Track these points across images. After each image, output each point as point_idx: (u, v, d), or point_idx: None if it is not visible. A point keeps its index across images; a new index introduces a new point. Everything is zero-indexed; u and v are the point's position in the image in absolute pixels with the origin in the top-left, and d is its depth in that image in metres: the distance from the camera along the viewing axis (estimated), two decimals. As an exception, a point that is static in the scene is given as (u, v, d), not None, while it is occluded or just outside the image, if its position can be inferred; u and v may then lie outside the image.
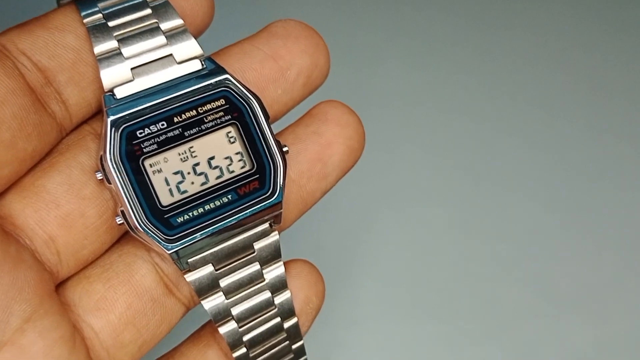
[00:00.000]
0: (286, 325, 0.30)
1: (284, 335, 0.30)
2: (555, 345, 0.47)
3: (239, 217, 0.26)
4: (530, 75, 0.59)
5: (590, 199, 0.53)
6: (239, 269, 0.28)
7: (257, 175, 0.27)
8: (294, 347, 0.31)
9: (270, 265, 0.29)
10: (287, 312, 0.30)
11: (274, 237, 0.28)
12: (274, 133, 0.28)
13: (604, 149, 0.56)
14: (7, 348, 0.23)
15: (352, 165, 0.31)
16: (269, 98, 0.29)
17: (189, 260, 0.26)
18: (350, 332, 0.46)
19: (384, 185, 0.52)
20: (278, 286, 0.29)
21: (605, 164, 0.55)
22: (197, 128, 0.26)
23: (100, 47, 0.25)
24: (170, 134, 0.26)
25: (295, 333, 0.31)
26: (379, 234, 0.50)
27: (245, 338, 0.29)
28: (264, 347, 0.30)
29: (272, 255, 0.28)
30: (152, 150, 0.25)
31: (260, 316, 0.29)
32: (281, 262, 0.29)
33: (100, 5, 0.26)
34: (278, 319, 0.30)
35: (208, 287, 0.27)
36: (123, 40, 0.26)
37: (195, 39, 0.27)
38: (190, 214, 0.26)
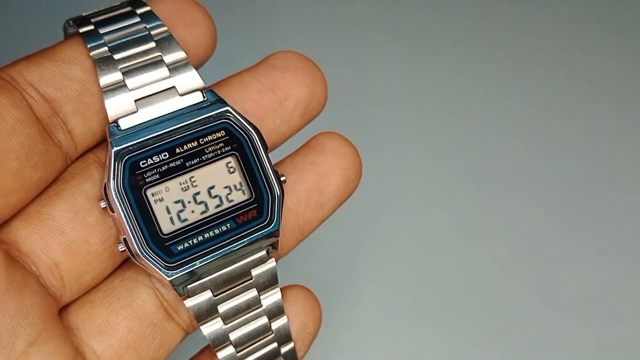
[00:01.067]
0: (283, 350, 0.30)
1: None
2: (558, 349, 0.47)
3: (237, 244, 0.27)
4: (532, 76, 0.59)
5: (593, 202, 0.53)
6: (237, 295, 0.28)
7: (256, 204, 0.28)
8: None
9: (268, 291, 0.29)
10: (284, 337, 0.30)
11: (271, 264, 0.29)
12: (272, 163, 0.29)
13: (606, 152, 0.56)
14: None
15: (349, 196, 0.32)
16: (268, 128, 0.29)
17: (188, 287, 0.27)
18: (351, 334, 0.46)
19: (385, 187, 0.52)
20: (275, 312, 0.30)
21: (608, 167, 0.55)
22: (198, 159, 0.27)
23: (106, 79, 0.26)
24: (172, 164, 0.26)
25: (292, 358, 0.31)
26: (379, 236, 0.51)
27: None
28: None
29: (269, 282, 0.29)
30: (154, 180, 0.26)
31: (257, 341, 0.30)
32: (278, 288, 0.29)
33: (106, 38, 0.27)
34: (275, 344, 0.30)
35: (207, 313, 0.28)
36: (127, 73, 0.26)
37: (197, 70, 0.28)
38: (190, 241, 0.27)
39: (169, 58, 0.27)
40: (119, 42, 0.27)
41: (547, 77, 0.60)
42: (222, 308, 0.28)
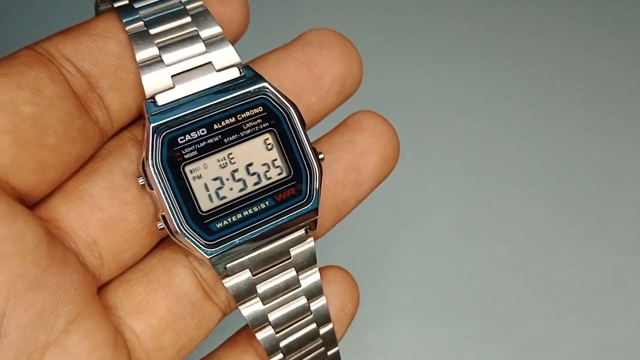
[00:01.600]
0: (322, 331, 0.30)
1: (320, 341, 0.30)
2: (557, 346, 0.47)
3: (276, 223, 0.27)
4: (533, 76, 0.59)
5: (593, 201, 0.53)
6: (275, 275, 0.28)
7: (294, 182, 0.27)
8: (329, 353, 0.31)
9: (306, 271, 0.29)
10: (323, 318, 0.30)
11: (309, 243, 0.29)
12: (317, 148, 0.28)
13: (607, 150, 0.55)
14: (53, 349, 0.24)
15: (387, 175, 0.31)
16: (304, 105, 0.29)
17: (227, 265, 0.27)
18: (353, 333, 0.46)
19: (386, 186, 0.52)
20: (314, 292, 0.29)
21: (608, 165, 0.55)
22: (235, 135, 0.26)
23: (142, 54, 0.26)
24: (210, 141, 0.26)
25: (331, 339, 0.31)
26: (381, 235, 0.50)
27: (282, 344, 0.29)
28: (301, 353, 0.30)
29: (308, 262, 0.29)
30: (193, 157, 0.26)
31: (296, 322, 0.29)
32: (317, 269, 0.29)
33: (142, 12, 0.26)
34: (314, 325, 0.30)
35: (245, 293, 0.27)
36: (164, 48, 0.26)
37: (233, 46, 0.27)
38: (229, 219, 0.26)
39: (205, 33, 0.27)
40: (154, 16, 0.26)
41: (547, 77, 0.59)
42: (260, 288, 0.28)
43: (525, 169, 0.54)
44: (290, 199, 0.27)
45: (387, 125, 0.31)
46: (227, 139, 0.26)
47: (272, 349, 0.29)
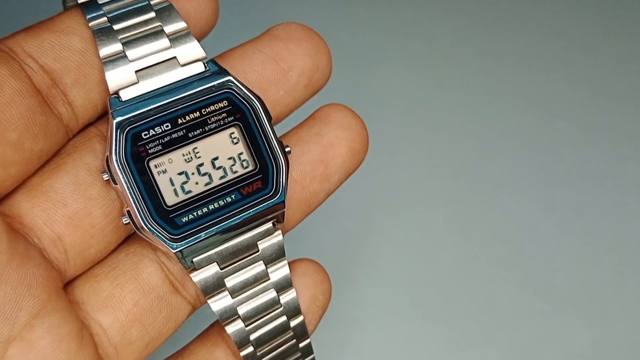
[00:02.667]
0: (292, 323, 0.30)
1: (291, 333, 0.30)
2: (555, 346, 0.47)
3: (242, 216, 0.27)
4: (530, 76, 0.59)
5: (589, 200, 0.53)
6: (243, 268, 0.28)
7: (260, 175, 0.27)
8: (301, 345, 0.31)
9: (275, 264, 0.29)
10: (293, 310, 0.30)
11: (277, 236, 0.29)
12: (277, 134, 0.28)
13: (603, 150, 0.56)
14: (16, 343, 0.24)
15: (356, 167, 0.31)
16: (271, 99, 0.29)
17: (194, 259, 0.27)
18: (350, 332, 0.46)
19: (383, 185, 0.52)
20: (283, 285, 0.29)
21: (604, 165, 0.55)
22: (200, 129, 0.27)
23: (106, 50, 0.26)
24: (174, 135, 0.26)
25: (301, 332, 0.31)
26: (377, 234, 0.50)
27: (252, 337, 0.29)
28: (271, 346, 0.30)
29: (277, 254, 0.29)
30: (157, 151, 0.26)
31: (266, 315, 0.29)
32: (285, 261, 0.29)
33: (105, 8, 0.26)
34: (284, 318, 0.30)
35: (214, 286, 0.28)
36: (128, 43, 0.26)
37: (199, 41, 0.27)
38: (194, 213, 0.26)
39: (169, 28, 0.27)
40: (118, 12, 0.26)
41: (546, 77, 0.59)
42: (229, 282, 0.28)
43: (522, 168, 0.54)
44: (256, 192, 0.27)
45: (355, 118, 0.31)
46: (192, 133, 0.26)
47: (242, 342, 0.29)
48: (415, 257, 0.50)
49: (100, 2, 0.26)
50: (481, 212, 0.52)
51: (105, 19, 0.26)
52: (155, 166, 0.26)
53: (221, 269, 0.28)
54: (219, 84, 0.27)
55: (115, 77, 0.26)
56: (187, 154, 0.26)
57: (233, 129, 0.27)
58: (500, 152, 0.55)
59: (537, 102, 0.58)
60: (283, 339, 0.30)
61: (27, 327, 0.24)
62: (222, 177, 0.27)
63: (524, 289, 0.49)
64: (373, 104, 0.55)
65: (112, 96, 0.26)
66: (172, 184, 0.26)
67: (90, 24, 0.26)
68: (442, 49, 0.60)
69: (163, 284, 0.28)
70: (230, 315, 0.28)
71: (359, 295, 0.47)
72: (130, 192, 0.25)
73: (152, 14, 0.27)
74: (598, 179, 0.54)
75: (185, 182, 0.26)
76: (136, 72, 0.26)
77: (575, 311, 0.48)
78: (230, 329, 0.29)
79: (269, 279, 0.29)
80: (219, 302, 0.28)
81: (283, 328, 0.30)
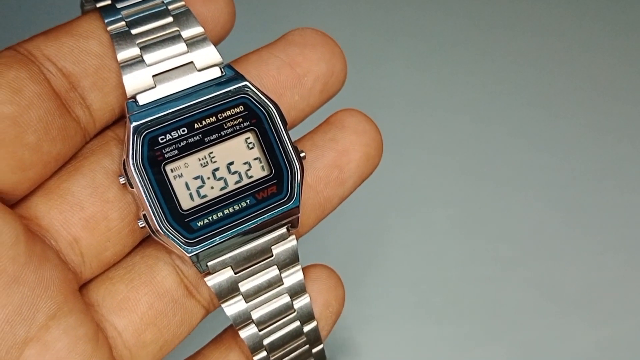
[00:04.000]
0: (306, 329, 0.30)
1: (304, 339, 0.30)
2: (560, 346, 0.46)
3: (256, 221, 0.27)
4: (533, 75, 0.59)
5: (594, 199, 0.53)
6: (257, 273, 0.28)
7: (275, 180, 0.27)
8: (314, 351, 0.31)
9: (289, 269, 0.29)
10: (307, 315, 0.30)
11: (291, 241, 0.29)
12: (292, 140, 0.28)
13: (607, 149, 0.55)
14: (32, 344, 0.24)
15: (370, 172, 0.31)
16: (286, 104, 0.29)
17: (208, 263, 0.27)
18: (355, 332, 0.46)
19: (388, 186, 0.52)
20: (297, 290, 0.29)
21: (608, 164, 0.55)
22: (216, 134, 0.27)
23: (123, 54, 0.26)
24: (190, 140, 0.26)
25: (315, 337, 0.31)
26: (382, 234, 0.50)
27: (266, 342, 0.29)
28: (284, 351, 0.30)
29: (290, 259, 0.29)
30: (173, 156, 0.26)
31: (279, 320, 0.29)
32: (299, 266, 0.29)
33: (124, 13, 0.26)
34: (298, 323, 0.30)
35: (228, 291, 0.28)
36: (145, 48, 0.26)
37: (215, 46, 0.28)
38: (209, 217, 0.26)
39: (186, 33, 0.27)
40: (136, 16, 0.27)
41: (549, 76, 0.59)
42: (243, 286, 0.28)
43: (527, 168, 0.54)
44: (271, 197, 0.27)
45: (369, 123, 0.31)
46: (208, 138, 0.27)
47: (256, 346, 0.29)
48: (421, 257, 0.50)
49: (118, 7, 0.27)
50: (486, 212, 0.52)
51: (123, 23, 0.26)
52: (172, 170, 0.26)
53: (235, 274, 0.28)
54: (235, 89, 0.27)
55: (133, 81, 0.26)
56: (203, 159, 0.26)
57: (249, 134, 0.27)
58: (505, 151, 0.55)
59: (541, 101, 0.57)
60: (296, 344, 0.30)
61: (43, 328, 0.24)
62: (237, 182, 0.27)
63: (529, 289, 0.49)
64: (376, 105, 0.55)
65: (130, 100, 0.26)
66: (188, 188, 0.26)
67: (108, 28, 0.26)
68: (445, 49, 0.60)
69: (177, 288, 0.28)
70: (244, 319, 0.28)
71: (365, 295, 0.47)
72: (146, 196, 0.25)
73: (170, 19, 0.27)
74: (602, 178, 0.54)
75: (200, 187, 0.26)
76: (153, 76, 0.26)
77: (580, 311, 0.48)
78: (244, 333, 0.29)
79: (283, 283, 0.29)
80: (233, 307, 0.28)
81: (296, 333, 0.30)
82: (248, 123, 0.27)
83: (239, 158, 0.27)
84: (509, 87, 0.58)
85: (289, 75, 0.29)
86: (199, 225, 0.26)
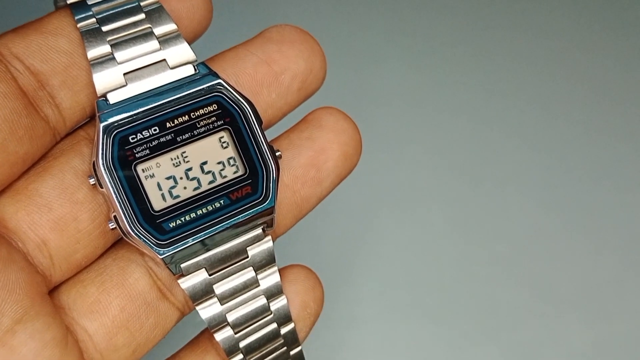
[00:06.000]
0: (283, 331, 0.30)
1: (281, 341, 0.30)
2: (555, 346, 0.47)
3: (231, 222, 0.26)
4: (530, 75, 0.59)
5: (590, 200, 0.53)
6: (233, 274, 0.28)
7: (250, 180, 0.27)
8: (292, 352, 0.31)
9: (265, 271, 0.28)
10: (284, 317, 0.29)
11: (267, 242, 0.28)
12: (269, 139, 0.28)
13: (603, 150, 0.55)
14: None
15: (349, 172, 0.31)
16: (263, 102, 0.29)
17: (181, 265, 0.26)
18: (350, 332, 0.46)
19: (383, 185, 0.52)
20: (273, 291, 0.29)
21: (604, 164, 0.55)
22: (189, 133, 0.26)
23: (94, 52, 0.25)
24: (162, 139, 0.26)
25: (292, 339, 0.30)
26: (378, 234, 0.50)
27: (242, 344, 0.29)
28: (262, 354, 0.30)
29: (266, 261, 0.28)
30: (145, 156, 0.25)
31: (256, 322, 0.29)
32: (276, 268, 0.29)
33: (95, 9, 0.26)
34: (274, 325, 0.29)
35: (202, 293, 0.27)
36: (116, 45, 0.26)
37: (190, 44, 0.27)
38: (182, 218, 0.26)
39: (159, 30, 0.26)
40: (107, 13, 0.26)
41: (546, 77, 0.59)
42: (218, 288, 0.28)
43: (523, 168, 0.54)
44: (245, 198, 0.27)
45: (348, 121, 0.31)
46: (181, 137, 0.26)
47: (232, 349, 0.29)
48: (415, 256, 0.50)
49: (89, 3, 0.26)
50: (481, 212, 0.52)
51: (94, 20, 0.26)
52: (143, 170, 0.25)
53: (210, 275, 0.27)
54: (208, 87, 0.27)
55: (103, 80, 0.25)
56: (175, 158, 0.26)
57: (222, 133, 0.27)
58: (500, 151, 0.55)
59: (538, 101, 0.57)
60: (274, 346, 0.30)
61: (9, 332, 0.24)
62: (211, 182, 0.26)
63: (524, 289, 0.49)
64: (372, 104, 0.55)
65: (100, 99, 0.25)
66: (160, 189, 0.26)
67: (78, 25, 0.25)
68: (442, 49, 0.59)
69: (150, 290, 0.27)
70: (219, 322, 0.28)
71: (359, 295, 0.47)
72: (116, 197, 0.25)
73: (142, 16, 0.26)
74: (598, 178, 0.54)
75: (173, 187, 0.26)
76: (124, 74, 0.26)
77: (575, 311, 0.48)
78: (220, 336, 0.28)
79: (259, 285, 0.28)
80: (208, 309, 0.28)
81: (273, 335, 0.29)
82: (222, 122, 0.27)
83: (212, 157, 0.26)
84: (505, 87, 0.58)
85: (265, 73, 0.29)
86: (171, 226, 0.26)
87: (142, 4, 0.27)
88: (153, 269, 0.27)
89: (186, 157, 0.26)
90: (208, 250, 0.27)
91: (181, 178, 0.26)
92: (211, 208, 0.26)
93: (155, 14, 0.27)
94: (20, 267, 0.24)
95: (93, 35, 0.25)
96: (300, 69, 0.29)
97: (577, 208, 0.52)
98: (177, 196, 0.26)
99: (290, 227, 0.30)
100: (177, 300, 0.28)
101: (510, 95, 0.57)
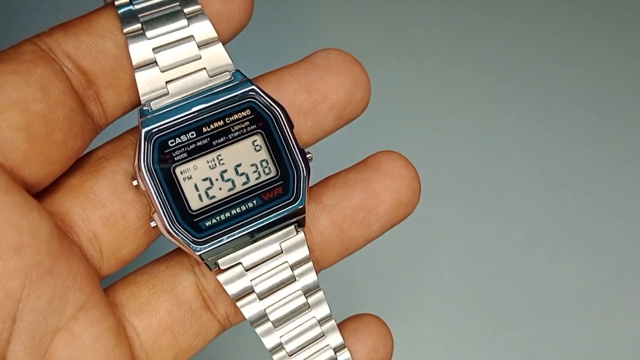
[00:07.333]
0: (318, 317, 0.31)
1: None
2: (555, 346, 0.46)
3: (263, 221, 0.28)
4: (531, 75, 0.57)
5: (590, 200, 0.52)
6: (269, 271, 0.29)
7: (281, 182, 0.28)
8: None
9: (301, 266, 0.30)
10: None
11: (300, 239, 0.29)
12: (324, 174, 0.29)
13: (603, 150, 0.54)
14: (61, 334, 0.25)
15: (402, 219, 0.31)
16: (299, 128, 0.29)
17: (218, 261, 0.28)
18: None
19: None
20: (311, 287, 0.30)
21: (604, 165, 0.54)
22: (224, 137, 0.28)
23: (138, 59, 0.27)
24: (199, 143, 0.27)
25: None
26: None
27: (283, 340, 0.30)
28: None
29: (301, 257, 0.29)
30: (183, 159, 0.27)
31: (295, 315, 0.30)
32: (310, 264, 0.30)
33: (140, 15, 0.27)
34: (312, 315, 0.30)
35: (239, 286, 0.29)
36: (159, 52, 0.27)
37: (225, 44, 0.28)
38: (218, 218, 0.27)
39: (199, 37, 0.28)
40: (151, 17, 0.28)
41: (547, 77, 0.57)
42: (257, 286, 0.29)
43: (523, 168, 0.54)
44: (277, 198, 0.28)
45: (408, 168, 0.31)
46: (216, 141, 0.28)
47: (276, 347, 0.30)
48: (415, 256, 0.50)
49: (135, 8, 0.27)
50: (481, 212, 0.52)
51: (139, 25, 0.27)
52: (181, 172, 0.27)
53: (246, 271, 0.29)
54: (242, 93, 0.28)
55: (147, 87, 0.27)
56: (211, 161, 0.28)
57: (255, 137, 0.28)
58: (500, 152, 0.54)
59: (539, 101, 0.56)
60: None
61: (72, 319, 0.26)
62: (244, 183, 0.28)
63: (524, 289, 0.49)
64: (372, 104, 0.55)
65: (143, 106, 0.27)
66: (197, 190, 0.27)
67: (124, 30, 0.27)
68: (441, 49, 0.59)
69: (196, 299, 0.29)
70: (259, 317, 0.29)
71: (359, 295, 0.48)
72: (157, 197, 0.27)
73: (185, 22, 0.28)
74: (598, 179, 0.53)
75: (209, 188, 0.27)
76: (167, 82, 0.28)
77: (575, 311, 0.48)
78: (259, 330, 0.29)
79: (296, 279, 0.30)
80: (250, 306, 0.29)
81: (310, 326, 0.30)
82: (255, 126, 0.28)
83: (246, 160, 0.28)
84: (504, 88, 0.57)
85: (304, 101, 0.30)
86: (207, 225, 0.27)
87: (185, 10, 0.28)
88: (200, 280, 0.29)
89: (221, 159, 0.28)
90: (243, 247, 0.28)
91: (217, 179, 0.28)
92: (245, 208, 0.28)
93: (196, 20, 0.28)
94: (79, 258, 0.26)
95: (138, 40, 0.27)
96: (339, 99, 0.30)
97: (576, 209, 0.52)
98: (213, 196, 0.27)
99: (334, 263, 0.31)
100: (219, 314, 0.30)
101: (510, 96, 0.57)
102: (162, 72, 0.28)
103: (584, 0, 0.61)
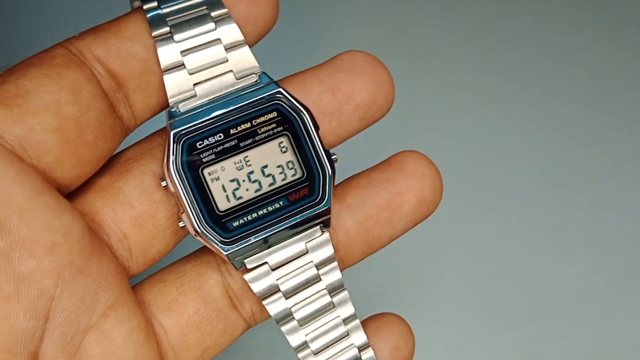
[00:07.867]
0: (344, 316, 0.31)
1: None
2: (556, 346, 0.46)
3: (289, 221, 0.28)
4: (533, 75, 0.57)
5: (591, 199, 0.52)
6: (295, 270, 0.29)
7: (307, 183, 0.28)
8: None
9: (326, 266, 0.30)
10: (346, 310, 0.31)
11: (325, 239, 0.30)
12: (353, 173, 0.29)
13: (605, 150, 0.54)
14: (92, 331, 0.26)
15: (424, 217, 0.32)
16: (324, 129, 0.30)
17: (245, 261, 0.28)
18: None
19: None
20: (335, 286, 0.30)
21: (606, 165, 0.54)
22: (251, 139, 0.28)
23: (167, 62, 0.27)
24: (226, 145, 0.28)
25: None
26: None
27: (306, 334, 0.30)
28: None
29: (326, 257, 0.30)
30: (211, 160, 0.28)
31: (320, 315, 0.30)
32: (335, 263, 0.30)
33: (168, 19, 0.28)
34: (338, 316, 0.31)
35: (266, 286, 0.29)
36: (187, 55, 0.28)
37: (251, 46, 0.29)
38: (245, 218, 0.28)
39: (226, 40, 0.28)
40: (179, 21, 0.28)
41: (549, 76, 0.57)
42: (281, 284, 0.29)
43: (525, 168, 0.54)
44: (303, 199, 0.28)
45: (430, 168, 0.31)
46: (243, 143, 0.28)
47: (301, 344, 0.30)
48: (416, 255, 0.50)
49: (163, 12, 0.28)
50: (483, 210, 0.52)
51: (167, 29, 0.28)
52: (209, 174, 0.28)
53: (272, 270, 0.29)
54: (268, 96, 0.28)
55: (175, 89, 0.28)
56: (238, 162, 0.28)
57: (282, 139, 0.28)
58: (502, 151, 0.54)
59: (541, 101, 0.56)
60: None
61: (103, 317, 0.26)
62: (271, 184, 0.28)
63: (526, 288, 0.49)
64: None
65: (171, 109, 0.28)
66: (225, 190, 0.28)
67: (153, 34, 0.27)
68: (442, 49, 0.59)
69: (223, 298, 0.29)
70: (285, 315, 0.30)
71: (358, 294, 0.47)
72: (185, 198, 0.27)
73: (212, 25, 0.28)
74: (600, 178, 0.53)
75: (236, 189, 0.28)
76: (194, 84, 0.28)
77: (578, 311, 0.48)
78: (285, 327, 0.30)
79: (321, 279, 0.30)
80: (276, 304, 0.29)
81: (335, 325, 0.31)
82: (281, 128, 0.28)
83: (272, 161, 0.28)
84: (506, 87, 0.57)
85: (328, 102, 0.30)
86: (234, 225, 0.28)
87: (212, 14, 0.28)
88: (227, 279, 0.30)
89: (248, 161, 0.28)
90: (269, 247, 0.29)
91: (244, 181, 0.28)
92: (271, 208, 0.28)
93: (223, 23, 0.28)
94: (109, 258, 0.27)
95: (166, 44, 0.28)
96: (364, 101, 0.30)
97: (578, 208, 0.52)
98: (240, 197, 0.28)
99: (358, 261, 0.32)
100: (245, 312, 0.30)
101: (512, 96, 0.57)
102: (190, 74, 0.28)
103: (584, 0, 0.61)
